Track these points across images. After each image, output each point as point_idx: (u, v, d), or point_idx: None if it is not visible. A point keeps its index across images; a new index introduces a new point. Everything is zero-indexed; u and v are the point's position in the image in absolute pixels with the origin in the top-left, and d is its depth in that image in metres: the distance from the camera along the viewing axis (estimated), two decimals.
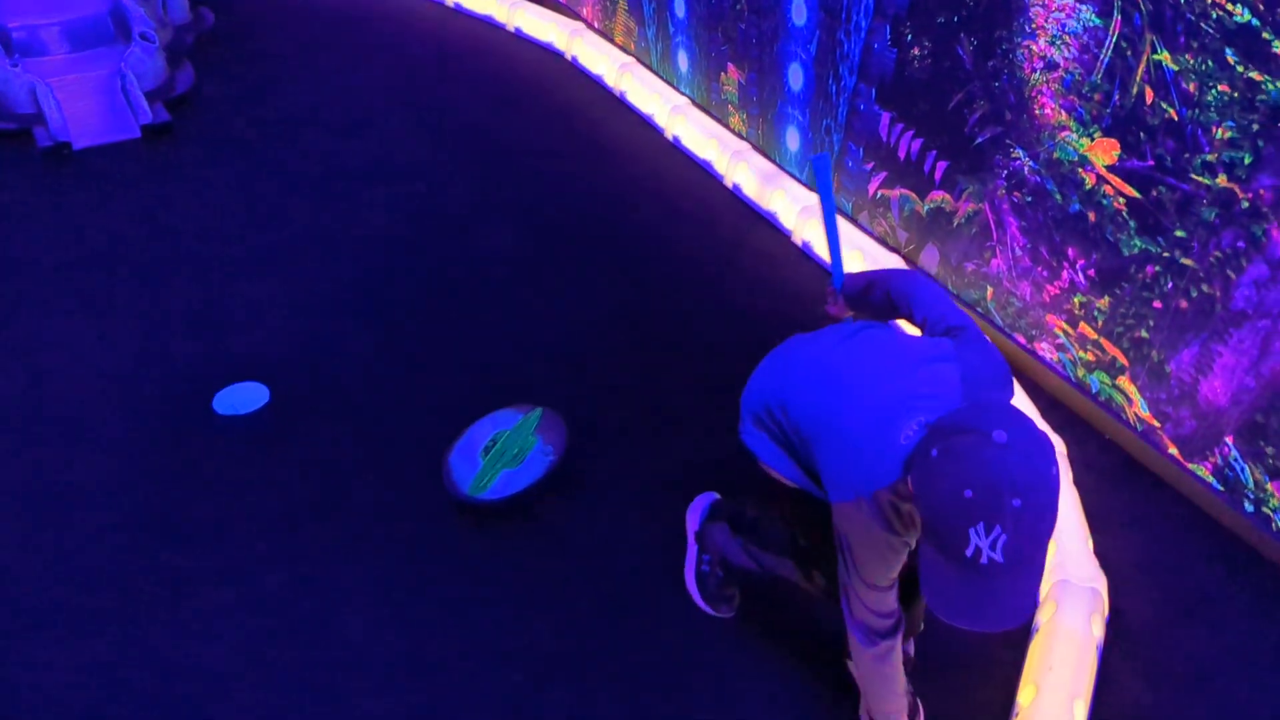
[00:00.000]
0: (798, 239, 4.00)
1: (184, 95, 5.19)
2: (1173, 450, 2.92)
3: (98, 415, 3.26)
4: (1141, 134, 2.70)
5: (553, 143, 4.79)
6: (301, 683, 2.49)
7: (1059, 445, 2.89)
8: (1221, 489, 2.82)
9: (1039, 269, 3.15)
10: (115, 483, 3.03)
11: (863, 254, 3.64)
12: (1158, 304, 2.82)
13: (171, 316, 3.70)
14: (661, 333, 3.59)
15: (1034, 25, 2.90)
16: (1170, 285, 2.76)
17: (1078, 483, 2.89)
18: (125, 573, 2.76)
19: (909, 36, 3.36)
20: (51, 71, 5.05)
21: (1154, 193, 2.72)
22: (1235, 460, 2.75)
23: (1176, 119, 2.60)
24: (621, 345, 3.55)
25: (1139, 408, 2.98)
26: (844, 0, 3.59)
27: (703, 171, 4.52)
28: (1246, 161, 2.47)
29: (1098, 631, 2.50)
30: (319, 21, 6.08)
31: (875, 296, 2.25)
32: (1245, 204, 2.50)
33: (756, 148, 4.41)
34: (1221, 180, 2.54)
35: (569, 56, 5.50)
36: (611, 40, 5.40)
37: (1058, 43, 2.85)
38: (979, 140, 3.21)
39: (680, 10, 4.70)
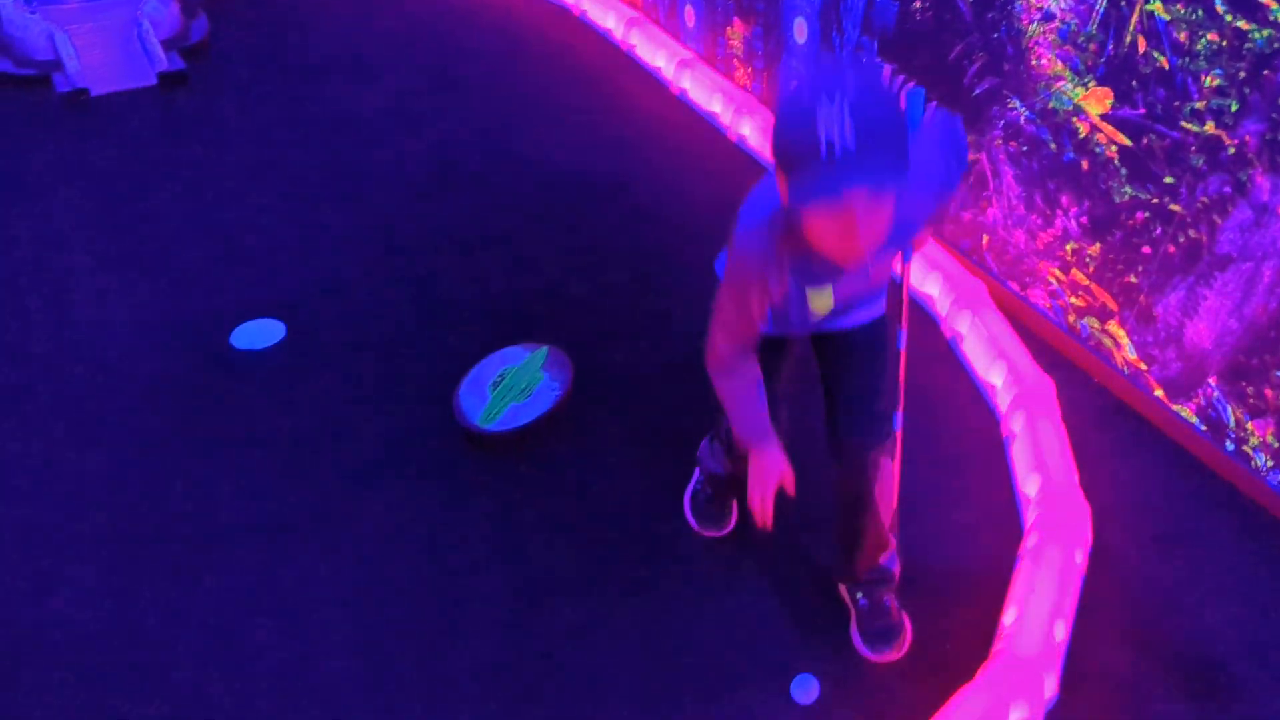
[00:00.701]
0: None
1: (199, 44, 5.27)
2: (1158, 392, 3.02)
3: (120, 351, 3.37)
4: (1134, 83, 2.79)
5: (562, 95, 4.87)
6: (314, 601, 2.61)
7: (1050, 387, 3.00)
8: (1204, 429, 2.92)
9: (1033, 216, 3.24)
10: (137, 412, 3.14)
11: None
12: (1147, 249, 2.91)
13: (190, 257, 3.80)
14: (666, 278, 3.69)
15: None
16: (1159, 231, 2.86)
17: (1067, 423, 2.99)
18: (144, 493, 2.88)
19: None
20: (69, 19, 5.13)
21: (1144, 140, 2.81)
22: (1218, 400, 2.85)
23: (1167, 68, 2.69)
24: (627, 289, 3.65)
25: (1127, 351, 3.08)
26: None
27: (709, 124, 4.60)
28: (1233, 109, 2.56)
29: (1080, 559, 2.61)
30: None
31: None
32: (1231, 150, 2.59)
33: (762, 101, 4.49)
34: (1209, 127, 2.63)
35: (578, 12, 5.57)
36: None
37: None
38: (977, 91, 3.29)
39: None
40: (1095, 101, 2.92)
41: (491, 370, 3.16)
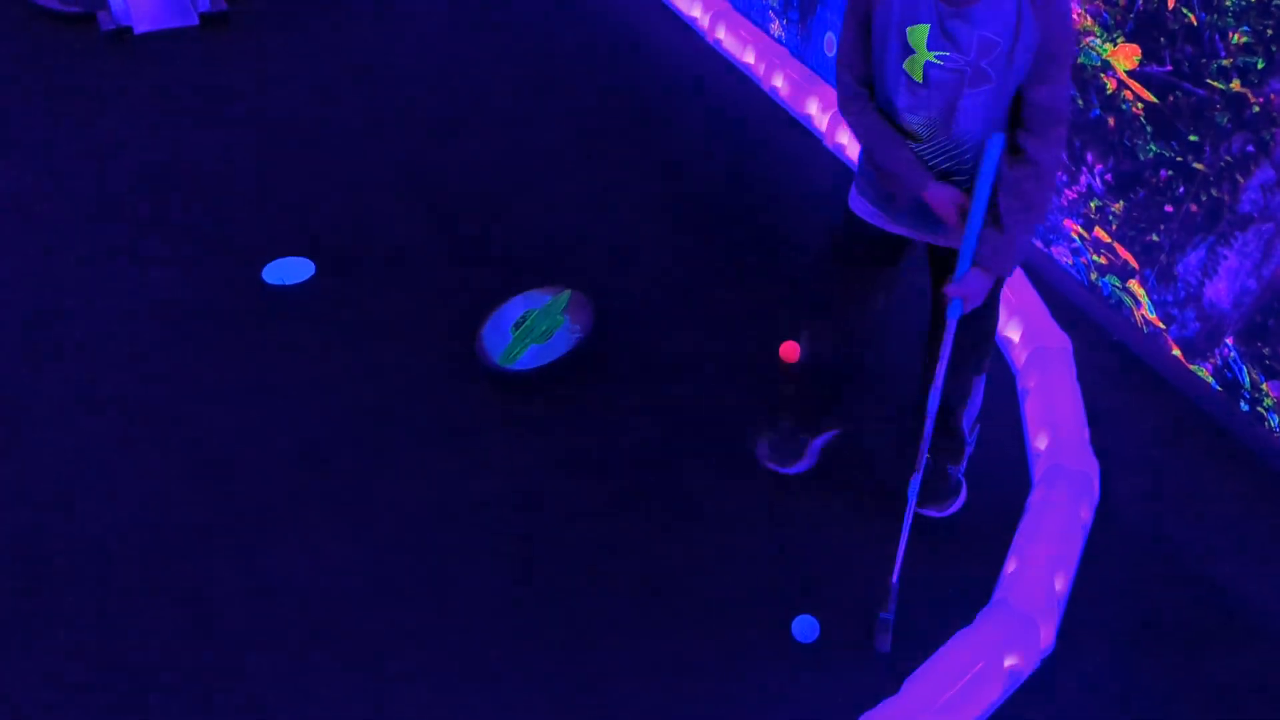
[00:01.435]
0: (829, 142, 4.09)
1: None
2: (1176, 352, 3.02)
3: (156, 283, 3.46)
4: (1162, 39, 2.77)
5: (597, 44, 4.88)
6: (333, 528, 2.70)
7: (1067, 345, 3.01)
8: (1220, 389, 2.92)
9: (1059, 174, 3.23)
10: (170, 342, 3.23)
11: None
12: (1169, 208, 2.90)
13: (225, 196, 3.88)
14: (692, 227, 3.72)
15: None
16: (1181, 189, 2.84)
17: (1083, 380, 3.00)
18: (176, 420, 2.98)
19: None
20: None
21: (1170, 98, 2.79)
22: (1234, 361, 2.85)
23: (1195, 24, 2.66)
24: (652, 237, 3.68)
25: (1146, 310, 3.08)
26: None
27: (741, 74, 4.60)
28: (1260, 66, 2.54)
29: (1085, 514, 2.64)
30: None
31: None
32: (1256, 109, 2.57)
33: (794, 54, 4.47)
34: (1235, 85, 2.61)
35: None
36: None
37: None
38: None
39: None
40: (1123, 57, 2.90)
41: (514, 311, 3.21)
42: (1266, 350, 2.74)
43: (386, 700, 2.32)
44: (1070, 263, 3.31)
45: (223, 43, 4.90)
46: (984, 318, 2.43)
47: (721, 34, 4.74)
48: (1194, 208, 2.82)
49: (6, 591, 2.54)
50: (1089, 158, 3.10)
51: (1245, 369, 2.83)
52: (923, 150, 2.19)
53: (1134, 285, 3.10)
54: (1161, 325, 3.04)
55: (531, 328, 3.15)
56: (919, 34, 2.04)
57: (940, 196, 2.18)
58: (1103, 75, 2.97)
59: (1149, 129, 2.88)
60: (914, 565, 2.51)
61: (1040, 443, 2.81)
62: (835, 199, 2.63)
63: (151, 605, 2.51)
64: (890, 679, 2.30)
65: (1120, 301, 3.17)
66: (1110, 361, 3.15)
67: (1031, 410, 2.92)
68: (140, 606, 2.50)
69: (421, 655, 2.41)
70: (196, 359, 3.18)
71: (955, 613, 2.41)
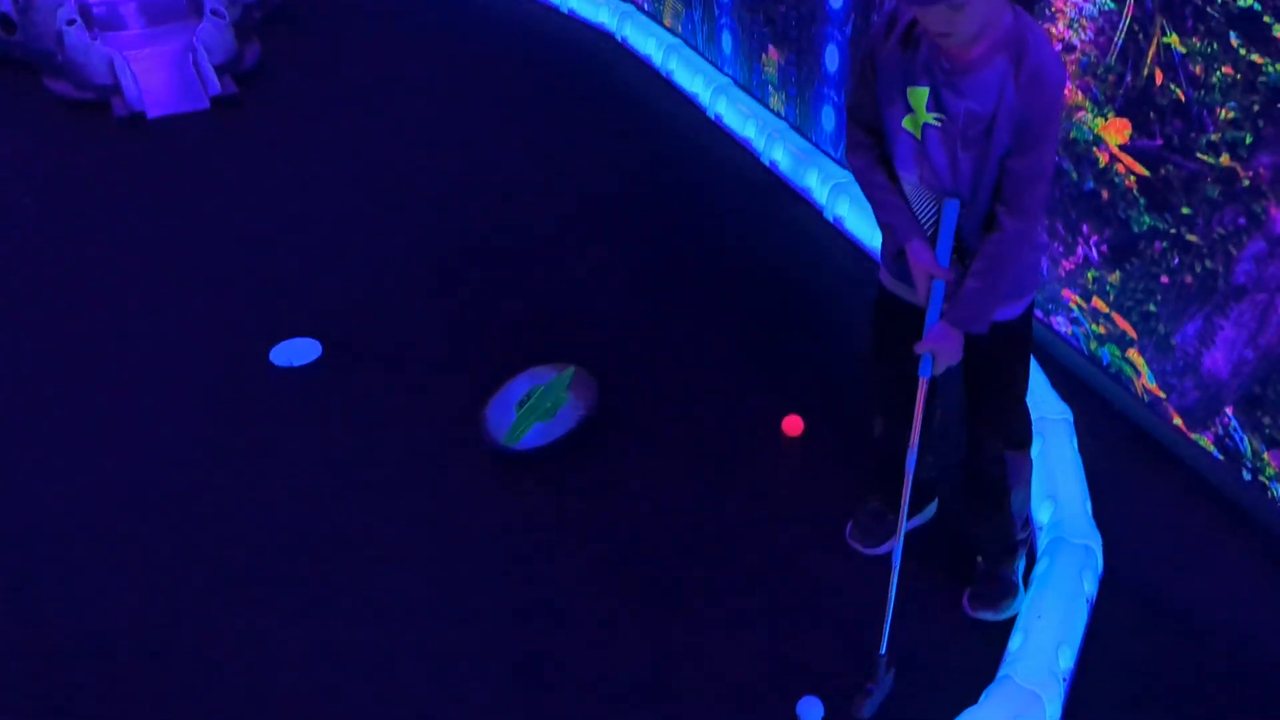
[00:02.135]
0: (830, 214, 4.14)
1: (251, 69, 5.44)
2: (1177, 421, 3.03)
3: (165, 364, 3.51)
4: (1151, 114, 2.81)
5: (601, 118, 4.97)
6: (336, 613, 2.70)
7: (1067, 415, 3.02)
8: (1221, 458, 2.92)
9: (1055, 244, 3.27)
10: (176, 422, 3.27)
11: None
12: (1165, 279, 2.93)
13: (235, 277, 3.94)
14: (696, 301, 3.76)
15: (1053, 8, 3.02)
16: (1176, 260, 2.87)
17: (1085, 450, 3.00)
18: (176, 503, 3.00)
19: None
20: (128, 45, 5.33)
21: (1162, 171, 2.83)
22: (1235, 430, 2.86)
23: (1184, 100, 2.71)
24: (656, 312, 3.72)
25: (1146, 379, 3.09)
26: None
27: (742, 148, 4.67)
28: (1247, 141, 2.58)
29: (1089, 587, 2.63)
30: (385, 1, 6.32)
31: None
32: (1246, 182, 2.61)
33: (794, 127, 4.54)
34: (1224, 159, 2.65)
35: (619, 37, 5.67)
36: (660, 22, 5.55)
37: (1075, 25, 2.97)
38: None
39: None
40: (1115, 132, 2.95)
41: (519, 389, 3.24)
42: (1266, 420, 2.75)
43: None
44: (1070, 332, 3.34)
45: (233, 126, 5.01)
46: (1005, 384, 2.47)
47: (722, 109, 4.82)
48: (1189, 278, 2.85)
49: (16, 676, 2.55)
50: (1084, 229, 3.14)
51: (1246, 438, 2.83)
52: (918, 207, 2.25)
53: (1133, 354, 3.12)
54: (1162, 394, 3.05)
55: (536, 405, 3.17)
56: (919, 96, 2.11)
57: (919, 258, 2.23)
58: (1095, 149, 3.01)
59: (1142, 201, 2.92)
60: (917, 644, 2.50)
61: (1042, 514, 2.81)
62: (856, 274, 2.66)
63: (153, 685, 2.51)
64: None
65: (1120, 371, 3.18)
66: (1112, 432, 3.15)
67: (1034, 481, 2.92)
68: (143, 687, 2.51)
69: None
70: (198, 440, 3.21)
71: (962, 689, 2.40)
